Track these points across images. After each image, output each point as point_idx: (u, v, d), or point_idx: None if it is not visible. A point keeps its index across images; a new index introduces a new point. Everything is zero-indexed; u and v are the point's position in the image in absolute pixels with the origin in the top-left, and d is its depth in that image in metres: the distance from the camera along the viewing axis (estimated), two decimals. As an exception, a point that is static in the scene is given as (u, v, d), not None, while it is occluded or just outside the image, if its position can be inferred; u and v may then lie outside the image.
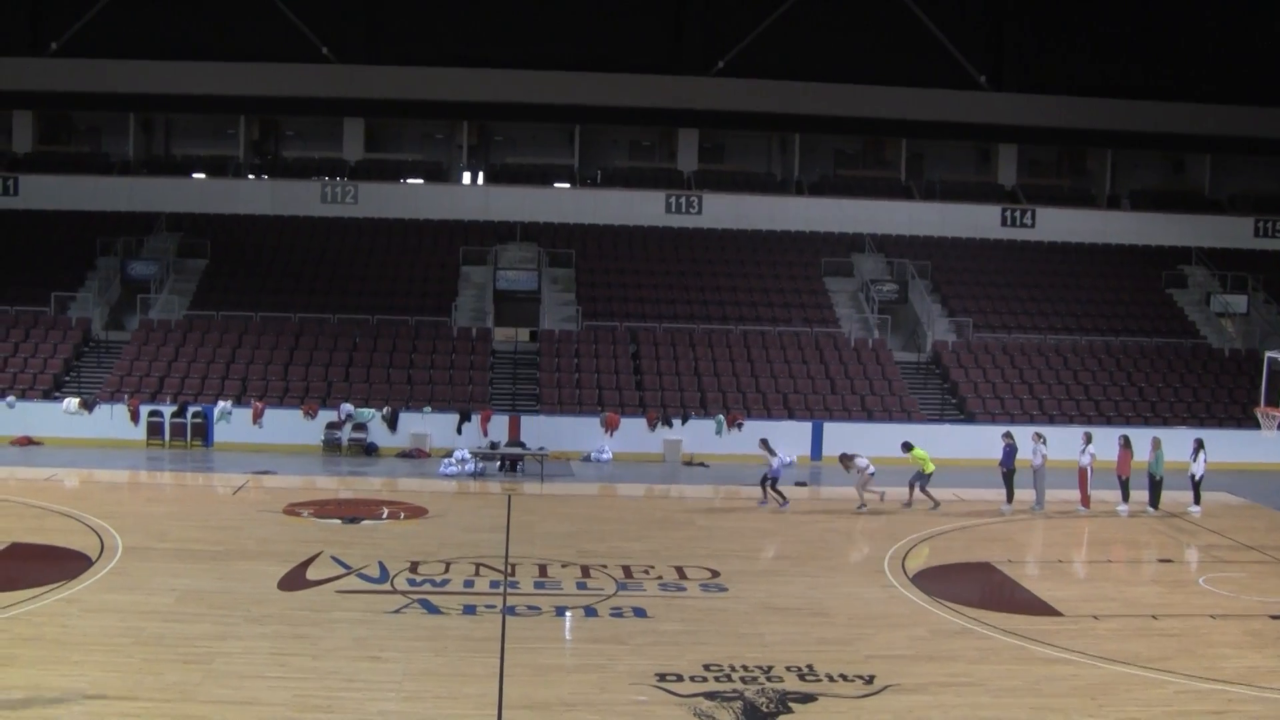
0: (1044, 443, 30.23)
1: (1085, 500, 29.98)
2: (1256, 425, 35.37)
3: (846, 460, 30.02)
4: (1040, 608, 20.89)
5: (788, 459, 30.79)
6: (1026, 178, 54.18)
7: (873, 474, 29.60)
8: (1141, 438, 31.69)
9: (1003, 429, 32.29)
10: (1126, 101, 50.31)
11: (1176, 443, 31.77)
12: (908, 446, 30.06)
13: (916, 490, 29.69)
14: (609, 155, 54.00)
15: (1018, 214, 50.63)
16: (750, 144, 54.75)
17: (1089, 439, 30.29)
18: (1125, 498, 30.11)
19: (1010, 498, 29.95)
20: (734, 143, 54.79)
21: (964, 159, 55.22)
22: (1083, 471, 29.87)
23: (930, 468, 29.55)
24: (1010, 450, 30.28)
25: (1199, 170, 54.92)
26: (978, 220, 50.40)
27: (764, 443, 30.26)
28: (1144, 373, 42.53)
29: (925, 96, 49.76)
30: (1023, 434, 31.24)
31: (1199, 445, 30.57)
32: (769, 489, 29.59)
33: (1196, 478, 30.20)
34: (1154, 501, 30.04)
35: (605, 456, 37.00)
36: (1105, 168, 54.04)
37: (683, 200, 49.57)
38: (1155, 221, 51.24)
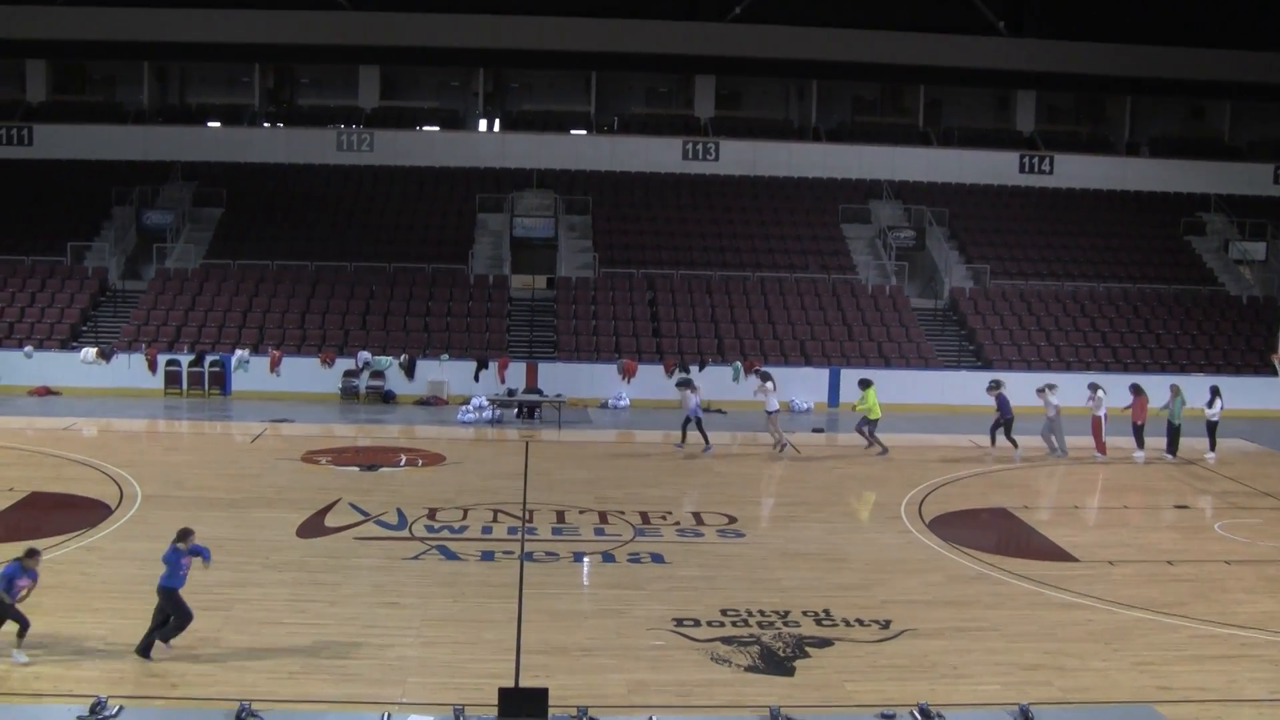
0: (1054, 392, 30.13)
1: (1101, 447, 29.98)
2: (1273, 372, 35.27)
3: (761, 376, 30.42)
4: (1056, 553, 20.93)
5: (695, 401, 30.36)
6: (1045, 124, 53.78)
7: (776, 411, 29.84)
8: (1159, 385, 31.70)
9: (992, 376, 32.31)
10: (1145, 47, 49.78)
11: (1193, 390, 31.72)
12: (865, 384, 30.13)
13: (867, 433, 29.84)
14: (626, 102, 53.71)
15: (1036, 161, 50.32)
16: (767, 90, 54.42)
17: (1096, 389, 30.26)
18: (1140, 444, 30.10)
19: (1016, 444, 29.95)
20: (751, 89, 54.46)
21: (982, 105, 54.80)
22: (1096, 420, 29.87)
23: (876, 413, 29.61)
24: (1003, 400, 30.24)
25: (1218, 117, 54.46)
26: (996, 167, 50.11)
27: (686, 382, 30.41)
28: (1161, 320, 42.37)
29: (943, 42, 49.36)
30: (1021, 381, 31.31)
31: (1215, 391, 30.54)
32: (687, 430, 29.64)
33: (1214, 422, 30.20)
34: (1172, 448, 30.07)
35: (623, 403, 37.06)
36: (1124, 114, 53.60)
37: (700, 147, 49.34)
38: (1174, 168, 50.88)
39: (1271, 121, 53.68)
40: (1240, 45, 49.67)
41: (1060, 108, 55.44)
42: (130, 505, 22.44)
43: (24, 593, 14.53)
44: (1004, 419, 30.12)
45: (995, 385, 30.74)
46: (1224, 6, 49.96)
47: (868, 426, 29.77)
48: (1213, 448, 30.28)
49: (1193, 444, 30.56)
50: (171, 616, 14.68)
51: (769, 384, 29.87)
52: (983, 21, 50.25)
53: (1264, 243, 46.76)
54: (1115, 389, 31.12)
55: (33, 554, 14.87)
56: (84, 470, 25.48)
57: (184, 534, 14.99)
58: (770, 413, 29.70)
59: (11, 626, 14.36)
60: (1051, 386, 30.40)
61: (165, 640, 14.65)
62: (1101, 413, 29.89)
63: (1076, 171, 50.13)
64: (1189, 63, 50.20)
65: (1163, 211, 49.05)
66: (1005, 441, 30.08)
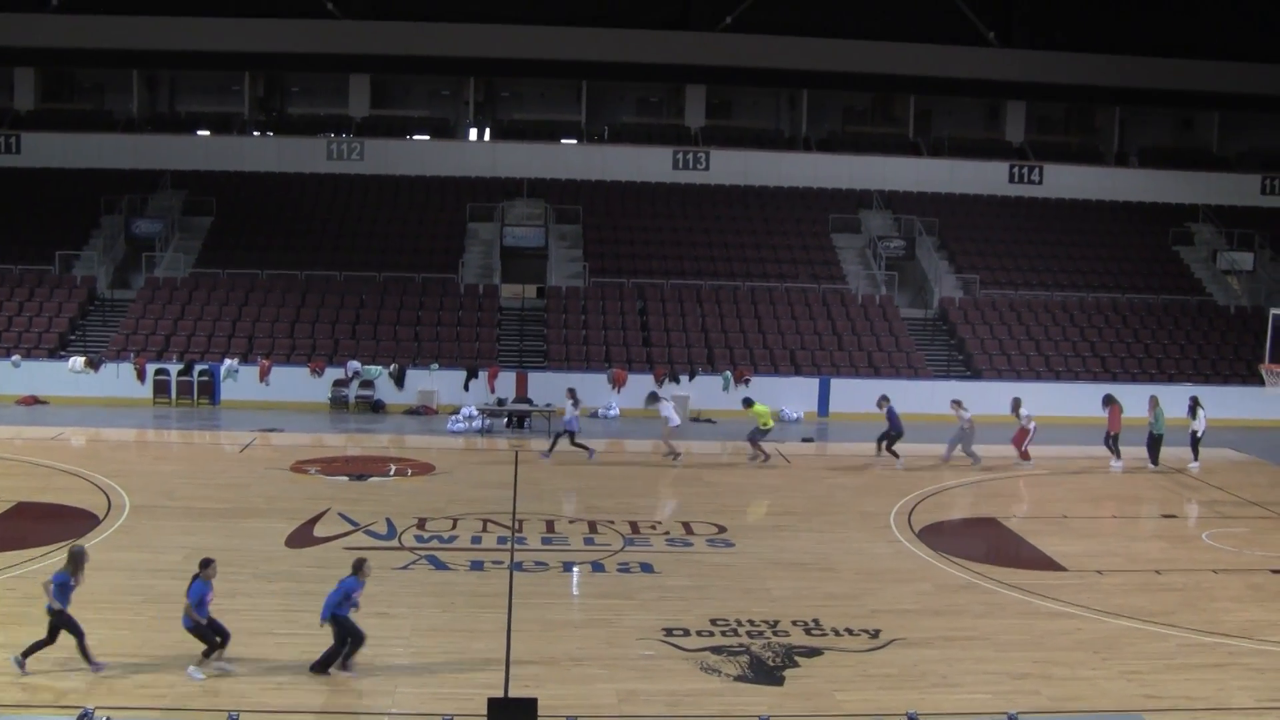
0: (963, 408, 30.05)
1: (1024, 455, 30.15)
2: (1261, 382, 35.36)
3: (652, 398, 30.94)
4: (1045, 563, 20.97)
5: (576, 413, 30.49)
6: (1035, 134, 53.93)
7: (677, 425, 30.06)
8: (1141, 395, 31.73)
9: (953, 397, 32.04)
10: (1135, 58, 49.96)
11: (1180, 399, 31.75)
12: (748, 403, 30.18)
13: (759, 443, 29.86)
14: (616, 111, 53.79)
15: (1025, 171, 50.45)
16: (758, 100, 54.51)
17: (1019, 404, 30.43)
18: (1117, 455, 30.13)
19: (898, 456, 29.99)
20: (742, 99, 54.55)
21: (972, 116, 54.94)
22: (1023, 431, 30.06)
23: (769, 424, 29.67)
24: (892, 413, 30.21)
25: (1207, 127, 54.63)
26: (985, 177, 50.23)
27: (570, 392, 30.40)
28: (1150, 329, 42.49)
29: (934, 53, 49.45)
30: (1008, 390, 31.35)
31: (1195, 403, 30.63)
32: (556, 442, 29.84)
33: (1198, 434, 30.26)
34: (1154, 458, 30.11)
35: (613, 413, 37.06)
36: (1113, 125, 53.75)
37: (690, 157, 49.41)
38: (1163, 179, 51.04)
39: (1260, 132, 53.87)
40: (1229, 56, 49.81)
41: (1050, 118, 55.59)
42: (118, 515, 22.39)
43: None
44: (892, 432, 30.07)
45: (884, 400, 30.81)
46: (1213, 18, 50.13)
47: (756, 435, 29.73)
48: (1196, 458, 30.34)
49: (1176, 453, 30.60)
50: (350, 639, 14.77)
51: (662, 403, 30.39)
52: (973, 32, 50.37)
53: (1252, 253, 46.88)
54: (1087, 400, 31.24)
55: (207, 563, 14.96)
56: (72, 480, 25.42)
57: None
58: (671, 426, 29.92)
59: (197, 646, 14.67)
60: (958, 402, 30.28)
61: (345, 665, 14.76)
62: (1031, 426, 29.97)
63: (1066, 182, 50.28)
64: (1178, 74, 50.34)
65: (1151, 222, 49.18)
66: (888, 453, 30.09)
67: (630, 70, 50.31)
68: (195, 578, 14.77)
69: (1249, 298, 45.73)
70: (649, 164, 49.23)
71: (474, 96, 52.13)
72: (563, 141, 51.22)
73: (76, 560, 14.89)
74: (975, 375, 39.47)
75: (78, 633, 14.50)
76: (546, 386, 36.49)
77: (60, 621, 14.49)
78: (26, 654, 14.41)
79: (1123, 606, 18.24)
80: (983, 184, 50.07)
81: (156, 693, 13.95)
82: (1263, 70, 49.94)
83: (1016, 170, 50.46)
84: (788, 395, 37.46)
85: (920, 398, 37.56)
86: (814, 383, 38.11)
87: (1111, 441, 30.22)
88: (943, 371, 40.00)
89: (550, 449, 29.87)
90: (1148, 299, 44.12)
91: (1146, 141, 54.36)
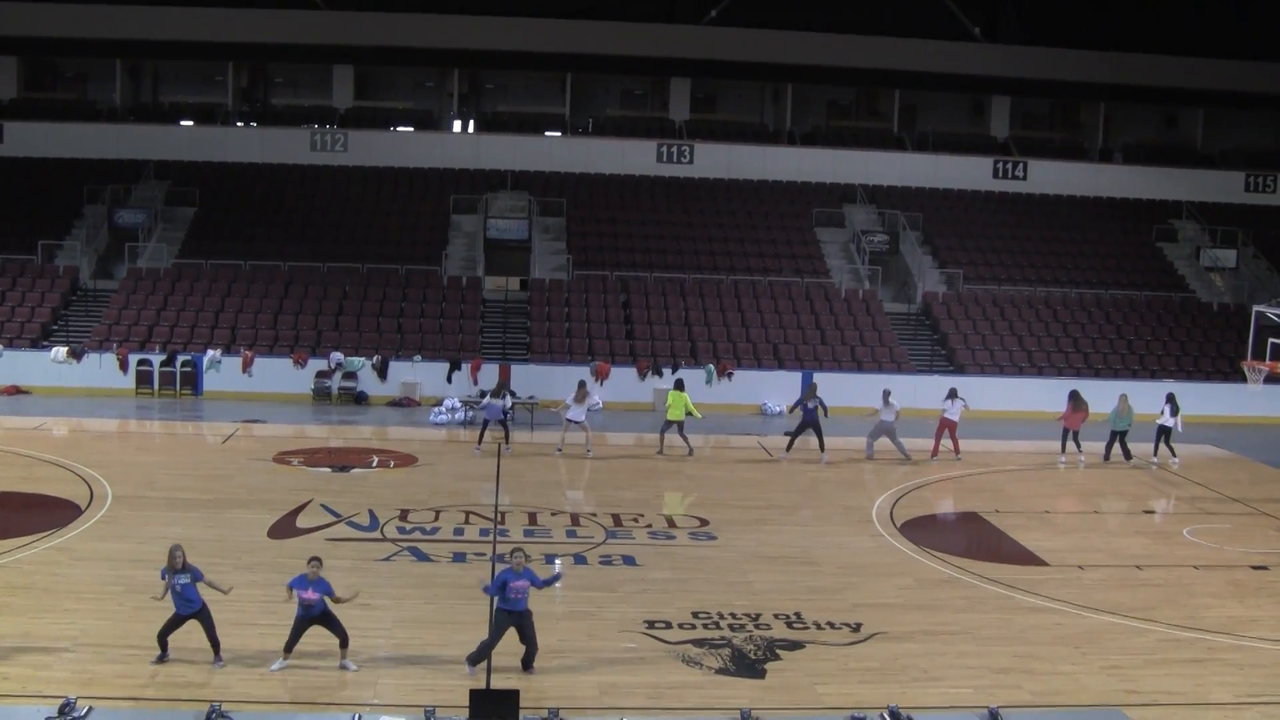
0: (888, 400, 30.02)
1: (935, 451, 30.10)
2: (1243, 379, 35.49)
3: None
4: (1027, 558, 21.05)
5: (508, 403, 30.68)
6: (1019, 130, 54.03)
7: (583, 421, 29.91)
8: (1134, 390, 31.98)
9: (951, 385, 32.16)
10: (1120, 54, 50.07)
11: (1160, 396, 31.85)
12: (680, 385, 30.30)
13: (672, 434, 29.84)
14: (601, 104, 53.71)
15: (1010, 166, 50.54)
16: (743, 94, 54.48)
17: (954, 395, 30.34)
18: (1079, 449, 30.25)
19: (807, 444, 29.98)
20: (726, 92, 54.51)
21: (957, 111, 54.99)
22: (947, 423, 29.93)
23: (678, 415, 29.58)
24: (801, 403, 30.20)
25: (1191, 124, 54.76)
26: (970, 172, 50.30)
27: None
28: (1133, 325, 42.60)
29: (919, 47, 49.47)
30: (989, 386, 31.35)
31: (1171, 399, 30.75)
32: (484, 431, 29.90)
33: (1177, 430, 30.37)
34: (1126, 454, 30.24)
35: (596, 405, 37.02)
36: (1098, 121, 53.85)
37: (674, 150, 49.40)
38: (1147, 175, 51.18)
39: (1244, 130, 54.03)
40: (1214, 54, 49.92)
41: (1035, 114, 55.67)
42: (101, 505, 22.35)
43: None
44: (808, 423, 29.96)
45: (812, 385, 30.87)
46: (1198, 15, 50.26)
47: (666, 427, 29.75)
48: (1174, 454, 30.43)
49: (1144, 449, 30.69)
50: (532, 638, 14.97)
51: (571, 397, 30.13)
52: (958, 27, 50.42)
53: (1235, 250, 47.03)
54: (1095, 395, 31.31)
55: (314, 560, 15.04)
56: (54, 470, 25.35)
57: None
58: (570, 420, 29.86)
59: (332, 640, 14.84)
60: (888, 393, 30.38)
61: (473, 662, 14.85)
62: (955, 417, 29.95)
63: (1050, 177, 50.37)
64: (1163, 70, 50.45)
65: (1135, 218, 49.31)
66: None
67: (615, 63, 50.27)
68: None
69: (1232, 295, 45.88)
70: (633, 157, 49.19)
71: (458, 88, 52.02)
72: (547, 134, 51.15)
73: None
74: (958, 370, 39.54)
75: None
76: (529, 379, 36.48)
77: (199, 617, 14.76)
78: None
79: (1104, 602, 18.33)
80: (967, 179, 50.14)
81: (138, 683, 13.93)
82: (1247, 68, 50.07)
83: (1001, 165, 50.53)
84: (771, 389, 37.51)
85: (903, 393, 37.57)
86: (797, 376, 38.12)
87: (1072, 437, 30.30)
88: (926, 366, 40.06)
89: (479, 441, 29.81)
90: (1131, 295, 44.24)
91: (1131, 138, 54.47)
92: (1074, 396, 30.54)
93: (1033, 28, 51.18)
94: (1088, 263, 45.90)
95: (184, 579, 14.58)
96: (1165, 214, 49.68)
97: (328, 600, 14.73)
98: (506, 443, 29.94)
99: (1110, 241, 47.40)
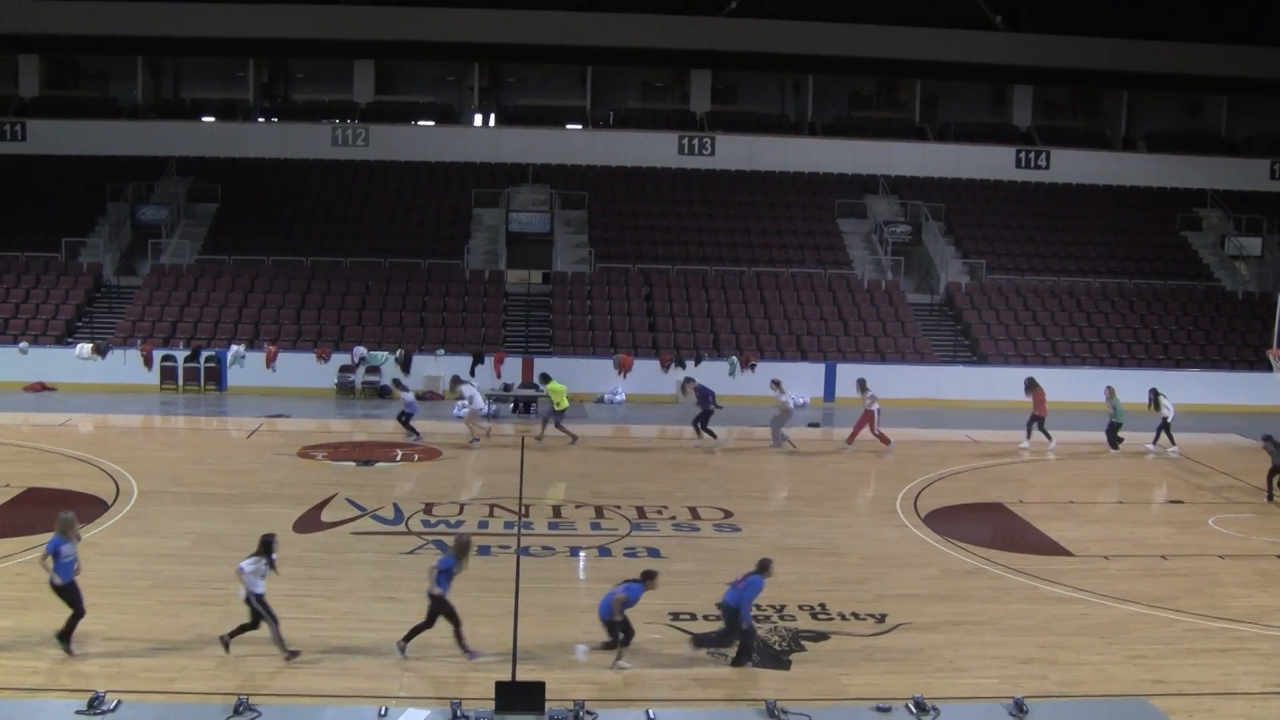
0: (781, 389, 30.02)
1: (852, 439, 29.94)
2: (1269, 367, 35.32)
3: (455, 382, 30.88)
4: (1051, 548, 20.98)
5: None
6: (1041, 119, 53.79)
7: (480, 410, 30.08)
8: (1147, 381, 31.84)
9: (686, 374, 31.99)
10: (1142, 42, 49.79)
11: (1184, 385, 31.79)
12: (545, 379, 30.33)
13: (550, 426, 29.66)
14: (621, 97, 53.72)
15: (1032, 156, 50.35)
16: (763, 85, 54.37)
17: (864, 387, 30.09)
18: (1046, 436, 30.21)
19: (715, 435, 29.79)
20: (747, 84, 54.42)
21: (978, 100, 54.81)
22: (868, 414, 29.68)
23: (564, 404, 29.46)
24: (702, 394, 29.92)
25: (1215, 112, 54.49)
26: (992, 162, 50.13)
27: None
28: (1157, 315, 42.41)
29: (940, 37, 49.32)
30: (1014, 375, 31.30)
31: (1156, 394, 30.70)
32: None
33: (1168, 420, 30.24)
34: (1114, 443, 30.15)
35: (619, 398, 37.07)
36: (1121, 109, 53.58)
37: (695, 142, 49.35)
38: (1170, 163, 50.90)
39: (1269, 116, 53.70)
40: (1237, 40, 49.66)
41: (1057, 103, 55.43)
42: (126, 501, 22.45)
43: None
44: (705, 410, 29.74)
45: (689, 381, 31.06)
46: (1221, 1, 49.96)
47: (554, 418, 29.52)
48: (1173, 443, 30.34)
49: (1140, 440, 30.67)
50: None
51: (464, 385, 30.28)
52: (979, 16, 50.25)
53: (1260, 238, 46.77)
54: (1119, 385, 31.19)
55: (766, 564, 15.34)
56: (80, 466, 25.47)
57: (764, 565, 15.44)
58: (459, 415, 29.98)
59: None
60: (777, 383, 30.26)
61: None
62: (875, 408, 29.73)
63: (1073, 166, 50.19)
64: (1186, 57, 50.17)
65: (1159, 207, 49.07)
66: (705, 434, 29.76)
67: (635, 55, 50.28)
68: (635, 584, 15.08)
69: (1257, 283, 45.62)
70: (654, 149, 49.17)
71: (478, 82, 52.07)
72: (568, 127, 51.19)
73: (463, 549, 15.23)
74: (981, 360, 39.43)
75: (455, 620, 14.84)
76: (552, 371, 36.37)
77: (440, 608, 14.80)
78: (407, 638, 14.90)
79: (1129, 591, 18.25)
80: (989, 169, 49.98)
81: (166, 677, 13.99)
82: (1271, 54, 49.76)
83: (1023, 155, 50.36)
84: (794, 381, 37.34)
85: (926, 383, 37.64)
86: (820, 368, 38.10)
87: (1037, 424, 30.24)
88: (949, 357, 39.93)
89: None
90: (1155, 284, 44.03)
91: (1154, 126, 54.21)
92: (1032, 384, 30.57)
93: (1054, 16, 51.00)
94: (1111, 252, 45.69)
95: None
96: (1189, 202, 49.42)
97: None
98: (416, 434, 29.73)
99: (1134, 230, 47.19)
